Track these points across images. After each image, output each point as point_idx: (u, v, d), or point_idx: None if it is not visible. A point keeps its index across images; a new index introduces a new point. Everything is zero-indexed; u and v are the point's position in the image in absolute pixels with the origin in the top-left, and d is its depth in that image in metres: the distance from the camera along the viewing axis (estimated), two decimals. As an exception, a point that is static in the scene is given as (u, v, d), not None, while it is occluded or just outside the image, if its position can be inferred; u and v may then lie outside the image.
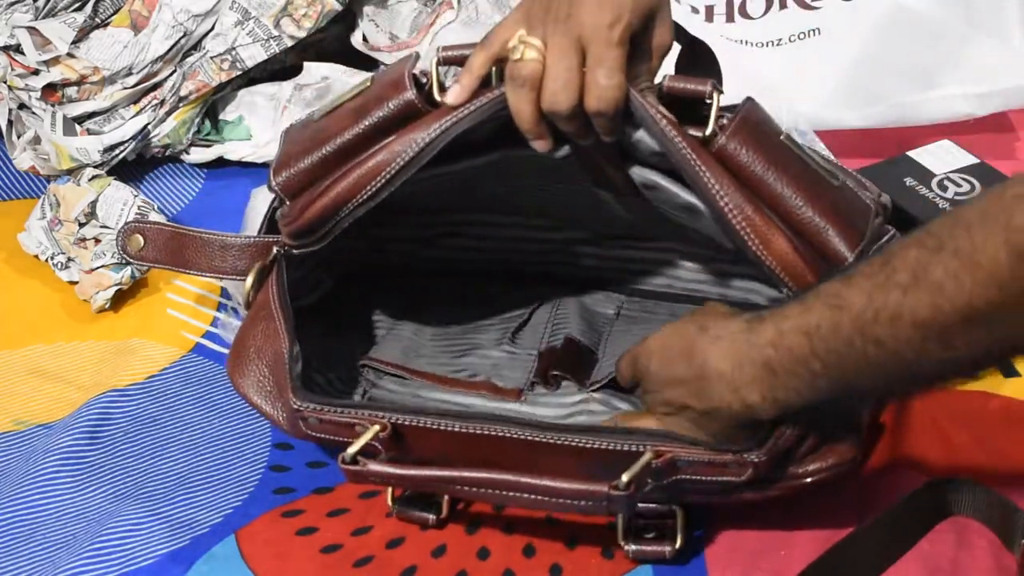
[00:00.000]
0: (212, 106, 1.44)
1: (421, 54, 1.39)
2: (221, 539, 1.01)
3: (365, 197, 1.00)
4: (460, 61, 1.00)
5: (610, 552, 0.99)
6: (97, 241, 1.25)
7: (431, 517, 1.01)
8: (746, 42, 1.43)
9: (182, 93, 1.41)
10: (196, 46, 1.42)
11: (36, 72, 1.38)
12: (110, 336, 1.22)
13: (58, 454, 1.08)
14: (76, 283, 1.26)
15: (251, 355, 1.03)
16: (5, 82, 1.39)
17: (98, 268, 1.24)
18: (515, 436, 0.95)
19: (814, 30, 1.42)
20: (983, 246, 0.77)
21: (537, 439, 0.94)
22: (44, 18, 1.41)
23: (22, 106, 1.40)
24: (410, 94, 0.99)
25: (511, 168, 1.06)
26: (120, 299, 1.25)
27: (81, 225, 1.26)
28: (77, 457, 1.08)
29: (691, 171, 0.95)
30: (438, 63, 0.99)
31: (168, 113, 1.40)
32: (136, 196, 1.28)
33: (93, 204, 1.27)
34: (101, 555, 0.99)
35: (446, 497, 1.02)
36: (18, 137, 1.40)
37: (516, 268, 1.19)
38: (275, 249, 1.05)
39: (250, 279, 1.05)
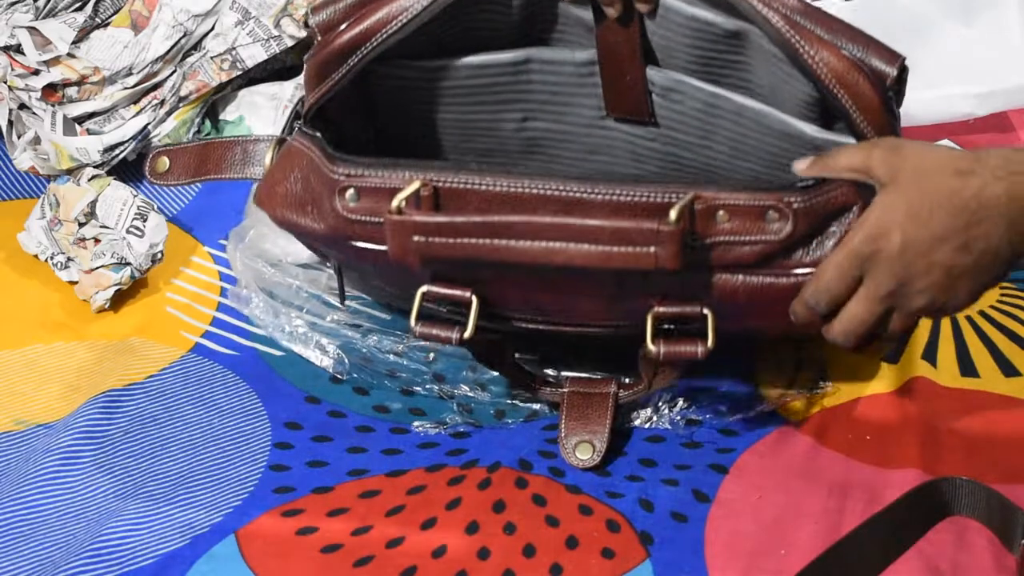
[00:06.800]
0: (212, 106, 1.44)
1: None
2: (221, 539, 1.01)
3: (396, 28, 1.02)
4: None
5: (610, 552, 0.99)
6: (97, 241, 1.25)
7: (455, 335, 1.01)
8: (746, 42, 1.43)
9: (182, 93, 1.41)
10: (196, 46, 1.42)
11: (36, 72, 1.38)
12: (110, 336, 1.22)
13: (58, 454, 1.08)
14: (76, 283, 1.26)
15: (277, 179, 1.05)
16: (5, 82, 1.39)
17: (98, 268, 1.24)
18: (558, 193, 0.96)
19: (814, 30, 1.42)
20: None
21: (580, 195, 0.96)
22: (44, 18, 1.41)
23: (22, 106, 1.40)
24: None
25: (532, 78, 1.08)
26: (120, 299, 1.25)
27: (81, 225, 1.26)
28: (77, 457, 1.08)
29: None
30: None
31: (168, 113, 1.40)
32: (136, 196, 1.28)
33: (93, 204, 1.27)
34: (101, 555, 0.99)
35: (473, 311, 1.00)
36: (18, 137, 1.40)
37: None
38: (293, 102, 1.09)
39: (270, 152, 1.08)
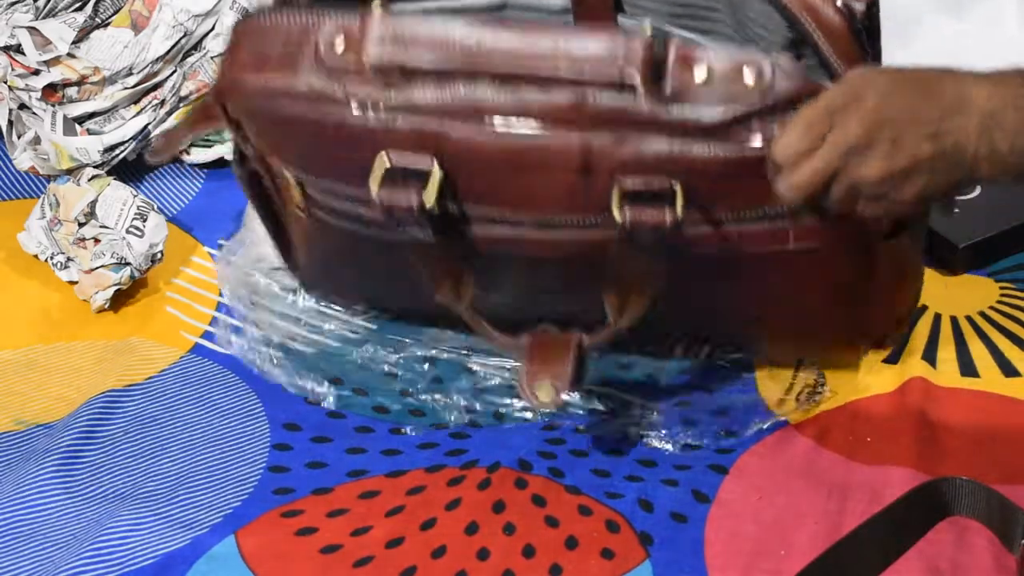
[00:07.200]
0: (212, 106, 1.44)
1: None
2: (221, 539, 1.01)
3: None
4: None
5: (610, 552, 0.99)
6: (97, 241, 1.25)
7: (415, 201, 0.97)
8: (746, 42, 1.43)
9: (183, 93, 1.41)
10: (197, 46, 1.42)
11: (36, 72, 1.38)
12: (109, 336, 1.22)
13: (58, 454, 1.08)
14: (76, 283, 1.26)
15: (254, 45, 1.05)
16: (5, 82, 1.39)
17: (97, 268, 1.24)
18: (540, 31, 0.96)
19: (814, 30, 1.42)
20: None
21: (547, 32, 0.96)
22: (44, 18, 1.41)
23: (22, 106, 1.40)
24: None
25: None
26: (119, 299, 1.25)
27: (81, 225, 1.26)
28: (77, 457, 1.08)
29: None
30: None
31: (169, 113, 1.40)
32: (136, 196, 1.28)
33: (93, 204, 1.27)
34: (101, 555, 1.00)
35: (435, 179, 0.97)
36: (18, 137, 1.40)
37: None
38: None
39: None
